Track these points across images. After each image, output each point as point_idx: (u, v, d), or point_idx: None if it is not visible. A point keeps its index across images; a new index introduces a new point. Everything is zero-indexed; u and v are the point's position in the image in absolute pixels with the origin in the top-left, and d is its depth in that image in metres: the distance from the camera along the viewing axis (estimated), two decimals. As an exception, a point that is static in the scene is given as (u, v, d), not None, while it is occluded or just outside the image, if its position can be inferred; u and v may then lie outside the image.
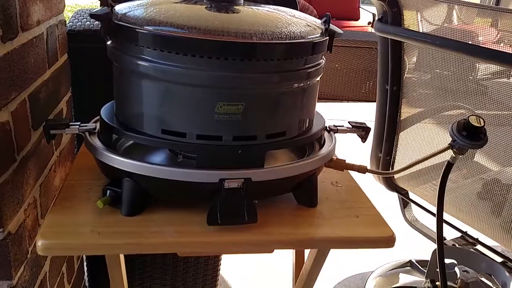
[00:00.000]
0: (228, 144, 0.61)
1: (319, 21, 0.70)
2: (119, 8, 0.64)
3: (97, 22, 0.94)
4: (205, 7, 0.65)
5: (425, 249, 1.41)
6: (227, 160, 0.61)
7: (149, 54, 0.58)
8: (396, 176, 1.41)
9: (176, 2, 0.68)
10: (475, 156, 1.25)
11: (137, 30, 0.58)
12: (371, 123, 1.16)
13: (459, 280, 0.94)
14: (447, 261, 1.08)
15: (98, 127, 0.69)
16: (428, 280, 0.97)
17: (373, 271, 1.68)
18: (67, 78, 0.90)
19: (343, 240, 0.65)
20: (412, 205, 1.50)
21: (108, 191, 0.63)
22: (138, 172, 0.60)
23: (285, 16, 0.66)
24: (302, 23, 0.66)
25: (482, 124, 0.76)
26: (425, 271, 1.63)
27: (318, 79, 0.68)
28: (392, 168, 1.37)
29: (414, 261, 1.72)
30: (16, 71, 0.64)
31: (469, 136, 0.76)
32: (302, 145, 0.73)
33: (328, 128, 0.77)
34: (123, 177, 0.62)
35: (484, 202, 1.21)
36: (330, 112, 3.23)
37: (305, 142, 0.69)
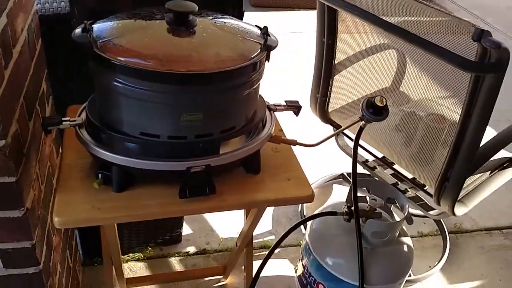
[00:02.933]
0: (191, 141, 0.81)
1: (257, 31, 0.87)
2: (97, 32, 0.78)
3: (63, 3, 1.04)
4: (167, 30, 0.80)
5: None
6: (191, 152, 0.82)
7: (124, 79, 0.75)
8: (330, 110, 1.65)
9: (145, 19, 0.82)
10: (401, 86, 1.49)
11: (113, 62, 0.73)
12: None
13: (368, 206, 1.24)
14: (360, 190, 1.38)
15: (84, 120, 0.86)
16: (346, 205, 1.26)
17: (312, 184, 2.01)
18: (43, 59, 1.03)
19: (277, 201, 0.90)
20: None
21: (100, 174, 0.84)
22: (123, 164, 0.80)
23: (231, 35, 0.83)
24: (245, 40, 0.83)
25: (384, 103, 0.99)
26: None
27: (259, 83, 0.87)
28: (327, 108, 1.61)
29: (345, 174, 2.06)
30: (14, 84, 0.78)
31: (374, 112, 0.99)
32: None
33: (268, 108, 0.98)
34: (111, 165, 0.82)
35: (399, 133, 1.48)
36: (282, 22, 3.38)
37: (251, 129, 0.90)
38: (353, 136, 1.65)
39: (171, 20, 0.80)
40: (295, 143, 0.97)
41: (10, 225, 0.81)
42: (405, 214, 1.25)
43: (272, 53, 0.85)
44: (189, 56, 0.76)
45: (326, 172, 2.05)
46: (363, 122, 1.01)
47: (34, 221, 0.86)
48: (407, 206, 1.27)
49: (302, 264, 1.35)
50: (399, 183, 1.56)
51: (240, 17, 1.04)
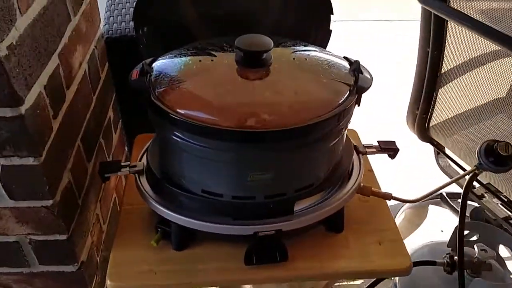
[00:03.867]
0: (260, 201, 0.68)
1: (345, 65, 0.70)
2: (156, 74, 0.67)
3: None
4: (237, 71, 0.66)
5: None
6: (259, 214, 0.69)
7: (183, 134, 0.63)
8: (430, 125, 1.42)
9: (211, 55, 0.70)
10: None
11: (171, 115, 0.62)
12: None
13: (476, 259, 1.03)
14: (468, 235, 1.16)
15: (145, 166, 0.77)
16: (448, 254, 1.06)
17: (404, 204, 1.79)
18: (109, 86, 0.95)
19: (362, 273, 0.74)
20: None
21: (159, 229, 0.74)
22: (182, 224, 0.70)
23: (313, 75, 0.67)
24: (330, 80, 0.67)
25: (510, 152, 0.77)
26: (453, 205, 1.73)
27: (345, 131, 0.71)
28: (428, 125, 1.39)
29: (444, 194, 1.80)
30: (68, 130, 0.71)
31: (495, 162, 0.78)
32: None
33: (356, 150, 0.81)
34: (171, 222, 0.72)
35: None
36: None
37: (332, 184, 0.74)
38: (455, 157, 1.43)
39: (241, 60, 0.66)
40: (389, 197, 0.80)
41: (64, 279, 0.75)
42: (524, 273, 1.02)
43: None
44: (260, 108, 0.62)
45: (421, 190, 1.82)
46: (478, 170, 0.80)
47: (91, 272, 0.79)
48: (526, 261, 1.04)
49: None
50: (512, 216, 1.30)
51: (326, 37, 0.87)
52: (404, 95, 1.46)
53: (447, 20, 1.11)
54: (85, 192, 0.77)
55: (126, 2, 1.06)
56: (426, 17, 1.14)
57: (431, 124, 1.40)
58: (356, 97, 0.67)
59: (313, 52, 0.73)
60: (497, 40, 0.96)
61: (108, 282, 0.70)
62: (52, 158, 0.63)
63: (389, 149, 0.82)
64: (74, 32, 0.73)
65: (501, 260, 1.09)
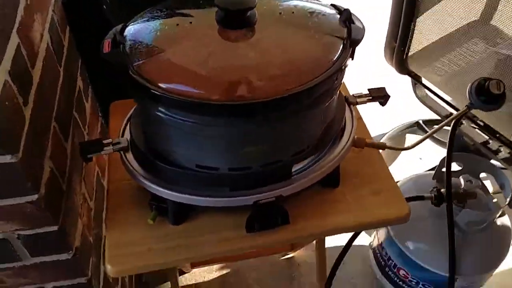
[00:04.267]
0: (257, 170, 0.65)
1: (335, 15, 0.65)
2: (131, 43, 0.60)
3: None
4: (218, 32, 0.60)
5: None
6: (258, 183, 0.66)
7: (168, 111, 0.58)
8: (408, 57, 1.40)
9: (189, 16, 0.63)
10: (493, 19, 1.22)
11: (155, 91, 0.56)
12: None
13: (462, 190, 1.06)
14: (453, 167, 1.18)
15: (129, 141, 0.72)
16: (435, 189, 1.08)
17: (383, 136, 1.81)
18: (73, 52, 0.87)
19: (364, 224, 0.74)
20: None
21: (154, 206, 0.71)
22: (178, 200, 0.67)
23: (302, 30, 0.62)
24: (321, 34, 0.62)
25: (502, 90, 0.76)
26: (429, 131, 1.75)
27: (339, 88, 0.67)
28: (406, 57, 1.36)
29: (421, 122, 1.83)
30: (41, 115, 0.64)
31: (487, 101, 0.77)
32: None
33: (347, 101, 0.78)
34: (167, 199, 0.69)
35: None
36: None
37: (328, 142, 0.72)
38: (432, 87, 1.42)
39: (222, 20, 0.60)
40: (383, 146, 0.79)
41: (60, 267, 0.72)
42: (509, 199, 1.06)
43: None
44: (250, 75, 0.57)
45: (399, 120, 1.84)
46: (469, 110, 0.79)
47: (86, 255, 0.77)
48: (510, 187, 1.08)
49: (378, 237, 1.21)
50: (490, 141, 1.33)
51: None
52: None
53: None
54: (68, 176, 0.73)
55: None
56: None
57: (409, 55, 1.37)
58: (351, 50, 0.63)
59: (299, 2, 0.67)
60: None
61: (108, 267, 0.67)
62: (30, 150, 0.58)
63: (380, 96, 0.79)
64: (28, 1, 0.65)
65: (484, 188, 1.12)
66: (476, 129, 1.35)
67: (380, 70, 1.61)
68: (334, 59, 0.60)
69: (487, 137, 1.32)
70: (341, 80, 0.65)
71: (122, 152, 0.71)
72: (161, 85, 0.56)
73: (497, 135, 1.22)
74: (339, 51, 0.61)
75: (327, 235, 0.92)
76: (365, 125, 0.88)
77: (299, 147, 0.66)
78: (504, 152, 1.26)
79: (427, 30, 1.29)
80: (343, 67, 0.61)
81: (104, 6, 0.77)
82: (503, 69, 1.13)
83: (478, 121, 1.25)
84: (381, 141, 1.78)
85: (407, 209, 0.75)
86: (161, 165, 0.66)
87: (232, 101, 0.56)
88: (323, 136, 0.70)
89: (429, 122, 1.81)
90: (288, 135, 0.64)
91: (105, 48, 0.60)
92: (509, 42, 1.20)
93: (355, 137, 0.77)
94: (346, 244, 1.09)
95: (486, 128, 1.24)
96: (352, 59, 0.64)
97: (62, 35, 0.80)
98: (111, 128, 0.86)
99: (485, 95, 0.77)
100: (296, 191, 0.69)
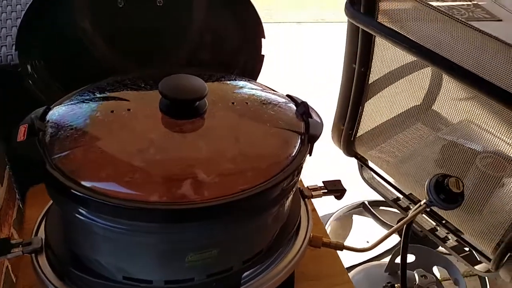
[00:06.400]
0: (201, 282, 0.55)
1: (291, 106, 0.59)
2: (52, 131, 0.50)
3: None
4: (162, 121, 0.52)
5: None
6: (201, 297, 0.56)
7: (97, 216, 0.47)
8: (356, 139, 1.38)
9: (127, 103, 0.54)
10: (435, 104, 1.22)
11: (78, 192, 0.46)
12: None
13: (417, 286, 1.00)
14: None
15: (43, 242, 0.59)
16: (389, 284, 1.01)
17: (331, 217, 1.76)
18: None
19: None
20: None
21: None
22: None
23: (257, 122, 0.55)
24: (277, 129, 0.55)
25: (461, 189, 0.72)
26: (376, 213, 1.73)
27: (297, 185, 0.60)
28: (354, 140, 1.34)
29: (366, 203, 1.80)
30: None
31: (446, 199, 0.73)
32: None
33: (302, 195, 0.71)
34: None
35: (442, 170, 1.20)
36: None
37: (283, 244, 0.63)
38: (379, 170, 1.40)
39: (167, 109, 0.52)
40: (341, 247, 0.71)
41: None
42: (464, 296, 1.01)
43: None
44: (194, 174, 0.49)
45: (345, 200, 1.80)
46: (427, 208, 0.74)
47: None
48: (464, 283, 1.03)
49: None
50: (437, 228, 1.30)
51: (258, 65, 0.75)
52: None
53: (374, 36, 1.05)
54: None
55: (7, 19, 0.85)
56: (353, 32, 1.07)
57: (356, 137, 1.36)
58: (309, 146, 0.56)
59: (253, 91, 0.60)
60: (424, 56, 0.92)
61: None
62: None
63: (336, 190, 0.73)
64: None
65: (439, 284, 1.07)
66: (423, 215, 1.32)
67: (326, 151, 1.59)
68: (292, 155, 0.53)
69: (434, 223, 1.29)
70: (298, 179, 0.58)
71: (33, 256, 0.58)
72: (86, 184, 0.46)
73: (443, 221, 1.19)
74: (297, 147, 0.54)
75: None
76: (319, 218, 0.81)
77: (251, 253, 0.57)
78: (452, 240, 1.24)
79: (374, 113, 1.30)
80: (302, 164, 0.54)
81: (29, 81, 0.67)
82: (448, 155, 1.13)
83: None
84: (329, 221, 1.72)
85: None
86: (80, 274, 0.54)
87: (173, 202, 0.47)
88: (278, 237, 0.61)
89: (375, 203, 1.78)
90: (239, 241, 0.54)
91: (20, 136, 0.49)
92: (450, 128, 1.21)
93: (311, 235, 0.69)
94: None
95: (432, 215, 1.22)
96: (310, 155, 0.58)
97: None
98: (26, 219, 0.73)
99: (444, 193, 0.72)
100: (245, 305, 0.58)
